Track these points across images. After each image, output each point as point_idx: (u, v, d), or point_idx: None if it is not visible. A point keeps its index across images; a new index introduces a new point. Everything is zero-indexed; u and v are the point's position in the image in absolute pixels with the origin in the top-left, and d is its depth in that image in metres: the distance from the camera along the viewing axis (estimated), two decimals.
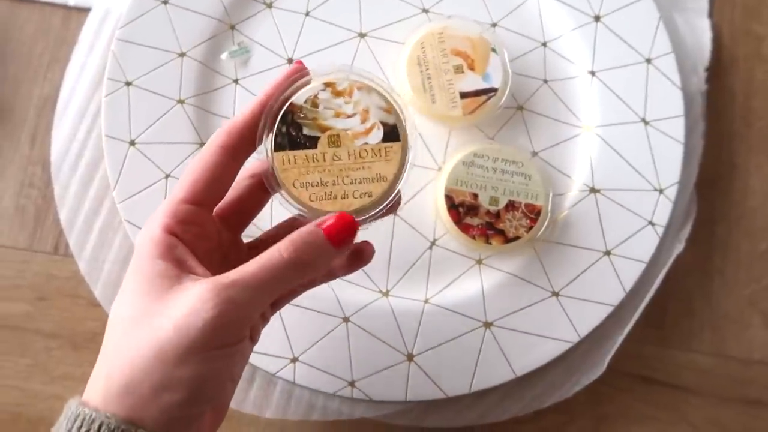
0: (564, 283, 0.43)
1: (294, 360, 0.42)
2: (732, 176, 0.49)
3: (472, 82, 0.44)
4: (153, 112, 0.45)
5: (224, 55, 0.47)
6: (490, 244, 0.43)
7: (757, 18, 0.51)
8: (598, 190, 0.45)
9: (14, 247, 0.46)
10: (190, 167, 0.30)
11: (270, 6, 0.48)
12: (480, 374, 0.42)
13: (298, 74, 0.31)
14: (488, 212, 0.43)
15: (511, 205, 0.43)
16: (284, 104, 0.30)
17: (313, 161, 0.30)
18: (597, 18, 0.47)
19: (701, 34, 0.50)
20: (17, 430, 0.44)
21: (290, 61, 0.47)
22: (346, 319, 0.43)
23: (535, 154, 0.46)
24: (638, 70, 0.47)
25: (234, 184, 0.32)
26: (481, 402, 0.43)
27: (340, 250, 0.29)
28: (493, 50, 0.44)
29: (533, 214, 0.43)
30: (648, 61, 0.47)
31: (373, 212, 0.30)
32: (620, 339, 0.44)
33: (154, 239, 0.29)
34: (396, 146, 0.30)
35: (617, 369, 0.45)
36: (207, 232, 0.31)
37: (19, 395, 0.44)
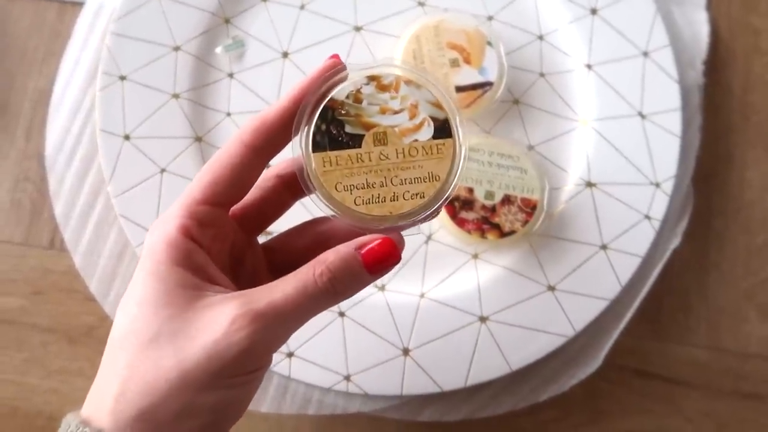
0: (560, 277, 0.43)
1: (289, 355, 0.42)
2: (729, 170, 0.48)
3: (467, 75, 0.44)
4: (147, 106, 0.45)
5: (219, 49, 0.46)
6: (486, 238, 0.43)
7: (755, 11, 0.51)
8: (594, 184, 0.45)
9: (10, 241, 0.46)
10: (210, 164, 0.27)
11: (265, 0, 0.47)
12: (475, 368, 0.42)
13: (335, 69, 0.28)
14: (484, 206, 0.43)
15: (506, 200, 0.43)
16: (323, 99, 0.27)
17: (358, 161, 0.27)
18: (594, 11, 0.47)
19: (699, 27, 0.49)
20: (14, 424, 0.44)
21: (285, 54, 0.47)
22: (341, 314, 0.43)
23: (531, 147, 0.46)
24: (635, 63, 0.46)
25: (256, 184, 0.29)
26: (476, 396, 0.43)
27: (376, 277, 0.26)
28: (489, 43, 0.44)
29: (529, 208, 0.43)
30: (645, 54, 0.46)
31: (425, 214, 0.27)
32: (616, 333, 0.44)
33: (171, 243, 0.26)
34: (448, 143, 0.27)
35: (613, 363, 0.45)
36: (223, 233, 0.28)
37: (16, 389, 0.44)
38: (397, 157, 0.27)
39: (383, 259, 0.26)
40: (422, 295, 0.43)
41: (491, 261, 0.44)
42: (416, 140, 0.27)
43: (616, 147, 0.45)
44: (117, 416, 0.24)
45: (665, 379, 0.46)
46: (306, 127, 0.27)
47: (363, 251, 0.26)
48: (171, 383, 0.24)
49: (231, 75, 0.46)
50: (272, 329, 0.25)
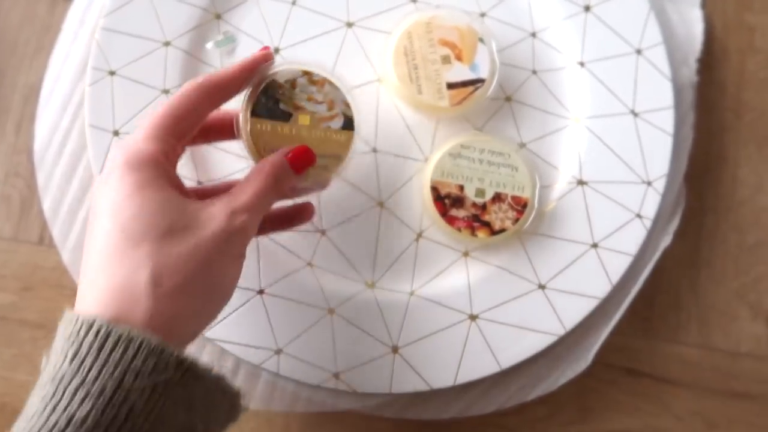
0: (550, 275, 0.43)
1: (278, 351, 0.41)
2: (721, 168, 0.48)
3: (459, 72, 0.44)
4: (137, 101, 0.44)
5: (209, 45, 0.46)
6: (476, 236, 0.42)
7: (750, 8, 0.50)
8: (585, 183, 0.45)
9: None
10: (171, 103, 0.33)
11: None
12: (465, 366, 0.42)
13: (263, 58, 0.36)
14: (474, 204, 0.43)
15: (497, 197, 0.43)
16: (266, 79, 0.36)
17: (281, 133, 0.36)
18: (587, 8, 0.47)
19: (693, 24, 0.49)
20: (3, 420, 0.44)
21: (277, 50, 0.46)
22: (331, 311, 0.42)
23: (523, 145, 0.46)
24: (628, 61, 0.46)
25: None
26: (465, 394, 0.43)
27: (300, 175, 0.36)
28: (481, 40, 0.44)
29: (519, 206, 0.43)
30: (638, 52, 0.46)
31: (321, 182, 0.39)
32: (606, 332, 0.44)
33: (157, 163, 0.32)
34: (350, 134, 0.37)
35: (603, 361, 0.45)
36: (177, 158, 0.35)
37: (5, 385, 0.44)
38: (311, 136, 0.37)
39: (304, 159, 0.36)
40: (412, 293, 0.43)
41: (482, 259, 0.44)
42: (329, 126, 0.37)
43: (608, 145, 0.45)
44: (157, 294, 0.29)
45: (655, 377, 0.46)
46: (250, 95, 0.36)
47: (288, 156, 0.35)
48: (195, 261, 0.30)
49: None
50: (254, 217, 0.33)
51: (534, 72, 0.46)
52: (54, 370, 0.27)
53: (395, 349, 0.42)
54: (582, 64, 0.46)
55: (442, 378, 0.42)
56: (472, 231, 0.43)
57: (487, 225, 0.43)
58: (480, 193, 0.43)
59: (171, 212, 0.31)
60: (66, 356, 0.27)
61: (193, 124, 0.34)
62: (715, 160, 0.48)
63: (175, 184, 0.33)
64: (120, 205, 0.30)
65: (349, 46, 0.46)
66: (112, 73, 0.45)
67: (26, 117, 0.48)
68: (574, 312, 0.43)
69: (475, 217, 0.43)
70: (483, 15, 0.47)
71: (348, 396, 0.43)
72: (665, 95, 0.46)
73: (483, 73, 0.44)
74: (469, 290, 0.43)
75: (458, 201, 0.43)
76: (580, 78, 0.46)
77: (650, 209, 0.44)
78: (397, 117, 0.46)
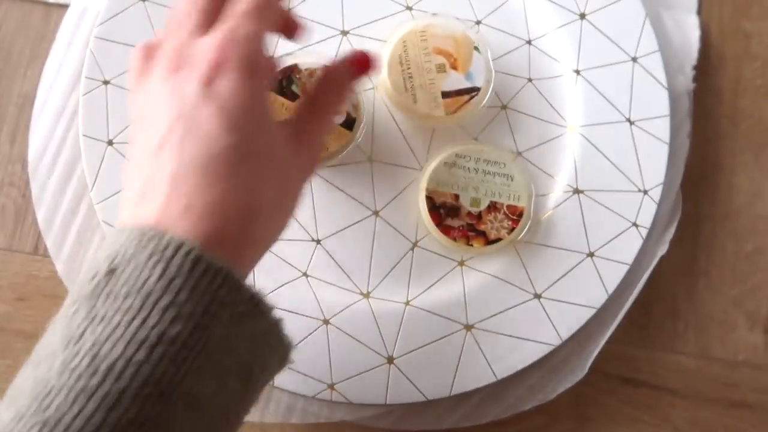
0: (546, 285, 0.43)
1: None
2: (718, 176, 0.48)
3: (454, 81, 0.43)
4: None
5: None
6: (472, 246, 0.42)
7: (746, 15, 0.50)
8: (581, 191, 0.45)
9: None
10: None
11: None
12: (460, 377, 0.42)
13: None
14: (469, 213, 0.43)
15: (492, 207, 0.43)
16: (291, 64, 0.42)
17: (285, 110, 0.41)
18: (582, 15, 0.47)
19: (689, 31, 0.49)
20: None
21: (270, 59, 0.46)
22: (326, 321, 0.42)
23: (519, 153, 0.45)
24: (624, 68, 0.46)
25: None
26: (461, 405, 0.43)
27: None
28: (476, 49, 0.44)
29: (515, 215, 0.43)
30: (634, 59, 0.46)
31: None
32: (603, 341, 0.44)
33: (268, 69, 0.32)
34: (347, 133, 0.42)
35: (600, 371, 0.45)
36: None
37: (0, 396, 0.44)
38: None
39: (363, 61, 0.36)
40: (408, 303, 0.43)
41: (477, 268, 0.44)
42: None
43: (604, 153, 0.45)
44: (252, 225, 0.29)
45: (653, 386, 0.45)
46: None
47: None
48: (288, 193, 0.32)
49: None
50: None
51: (530, 80, 0.46)
52: (135, 283, 0.25)
53: (390, 360, 0.42)
54: (578, 72, 0.46)
55: (438, 389, 0.41)
56: (468, 241, 0.42)
57: (482, 234, 0.42)
58: (475, 202, 0.43)
59: (275, 135, 0.30)
60: (153, 271, 0.25)
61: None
62: (711, 168, 0.48)
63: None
64: (237, 117, 0.28)
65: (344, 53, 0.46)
66: (106, 82, 0.45)
67: (21, 127, 0.47)
68: (571, 321, 0.43)
69: (471, 227, 0.42)
70: (478, 23, 0.47)
71: (343, 407, 0.42)
72: (661, 103, 0.45)
73: (478, 81, 0.44)
74: (465, 300, 0.43)
75: (453, 210, 0.43)
76: (575, 86, 0.46)
77: (646, 218, 0.44)
78: (393, 125, 0.45)
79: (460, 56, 0.44)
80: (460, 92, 0.43)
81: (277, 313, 0.29)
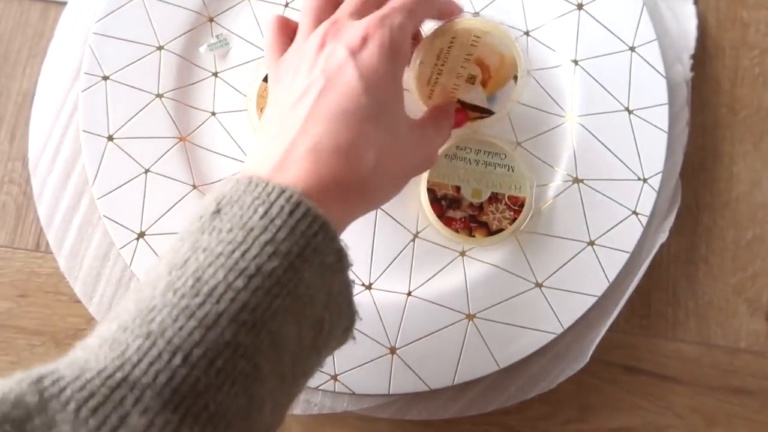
0: (547, 274, 0.43)
1: None
2: (717, 165, 0.48)
3: (475, 96, 0.41)
4: (131, 106, 0.44)
5: (203, 48, 0.46)
6: (473, 237, 0.42)
7: (743, 4, 0.50)
8: (581, 180, 0.45)
9: None
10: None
11: None
12: (463, 366, 0.42)
13: None
14: (471, 205, 0.43)
15: (494, 198, 0.43)
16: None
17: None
18: (580, 6, 0.47)
19: (686, 21, 0.49)
20: None
21: None
22: None
23: (518, 144, 0.46)
24: (622, 58, 0.46)
25: None
26: (464, 394, 0.43)
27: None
28: (515, 78, 0.41)
29: (516, 206, 0.43)
30: (632, 49, 0.46)
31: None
32: (604, 329, 0.44)
33: (406, 56, 0.35)
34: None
35: (602, 359, 0.45)
36: None
37: None
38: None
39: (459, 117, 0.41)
40: (409, 294, 0.43)
41: (479, 258, 0.44)
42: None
43: (603, 143, 0.45)
44: (374, 181, 0.32)
45: (654, 374, 0.45)
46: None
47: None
48: (407, 162, 0.35)
49: (215, 74, 0.46)
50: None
51: (528, 71, 0.46)
52: (239, 220, 0.27)
53: (393, 350, 0.42)
54: (576, 62, 0.46)
55: (441, 378, 0.42)
56: (470, 232, 0.42)
57: (484, 225, 0.43)
58: (477, 193, 0.43)
59: (404, 117, 0.34)
60: (256, 211, 0.27)
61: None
62: (710, 157, 0.48)
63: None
64: (375, 83, 0.32)
65: None
66: (105, 78, 0.45)
67: (20, 124, 0.47)
68: (572, 310, 0.43)
69: (472, 218, 0.43)
70: (476, 14, 0.47)
71: (346, 398, 0.43)
72: (659, 92, 0.46)
73: (498, 108, 0.41)
74: (467, 290, 0.43)
75: (455, 202, 0.43)
76: (574, 76, 0.46)
77: (646, 206, 0.44)
78: None
79: (496, 77, 0.40)
80: (475, 108, 0.41)
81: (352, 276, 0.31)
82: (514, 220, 0.43)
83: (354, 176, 0.31)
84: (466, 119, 0.41)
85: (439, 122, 0.38)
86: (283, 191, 0.28)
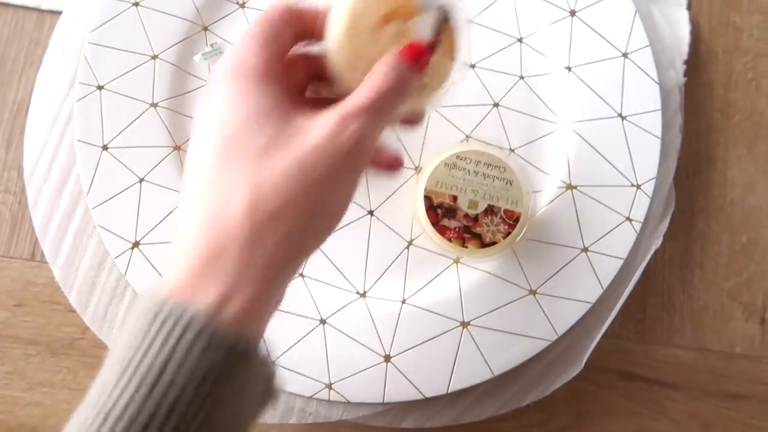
0: (541, 281, 0.43)
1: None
2: (711, 169, 0.48)
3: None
4: (126, 115, 0.45)
5: (197, 57, 0.46)
6: (466, 247, 0.42)
7: (736, 9, 0.51)
8: (575, 187, 0.45)
9: None
10: (265, 15, 0.30)
11: (243, 6, 0.47)
12: (458, 374, 0.42)
13: None
14: (466, 215, 0.43)
15: (490, 210, 0.43)
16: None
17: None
18: (573, 12, 0.47)
19: (679, 26, 0.49)
20: None
21: None
22: (322, 321, 0.42)
23: (511, 151, 0.46)
24: (615, 64, 0.46)
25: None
26: (459, 402, 0.43)
27: (419, 73, 0.29)
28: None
29: (512, 220, 0.43)
30: (624, 55, 0.46)
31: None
32: (599, 335, 0.44)
33: (263, 64, 0.28)
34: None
35: (597, 365, 0.45)
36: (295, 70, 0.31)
37: None
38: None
39: (419, 51, 0.29)
40: (404, 301, 0.43)
41: (473, 266, 0.44)
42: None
43: (596, 149, 0.45)
44: (253, 219, 0.26)
45: (650, 380, 0.45)
46: None
47: (402, 51, 0.29)
48: (297, 180, 0.26)
49: None
50: (372, 123, 0.28)
51: (521, 77, 0.46)
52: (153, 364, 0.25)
53: (388, 358, 0.42)
54: (569, 68, 0.46)
55: (435, 386, 0.42)
56: (463, 242, 0.42)
57: (477, 237, 0.43)
58: (473, 204, 0.43)
59: (272, 123, 0.27)
60: (166, 356, 0.25)
61: (301, 16, 0.30)
62: (704, 162, 0.48)
63: (283, 91, 0.29)
64: (219, 119, 0.27)
65: None
66: (100, 87, 0.45)
67: (16, 133, 0.48)
68: (566, 317, 0.43)
69: (467, 229, 0.43)
70: (470, 21, 0.47)
71: (341, 406, 0.43)
72: (652, 98, 0.46)
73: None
74: (461, 297, 0.43)
75: (450, 211, 0.43)
76: (567, 82, 0.46)
77: (640, 212, 0.44)
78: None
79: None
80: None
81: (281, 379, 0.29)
82: (508, 234, 0.43)
83: (242, 233, 0.26)
84: (421, 51, 0.30)
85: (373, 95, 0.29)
86: (195, 329, 0.25)
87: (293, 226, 0.26)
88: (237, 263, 0.26)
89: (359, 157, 0.28)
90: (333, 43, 0.29)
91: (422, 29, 0.30)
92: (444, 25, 0.31)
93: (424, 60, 0.30)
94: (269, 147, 0.27)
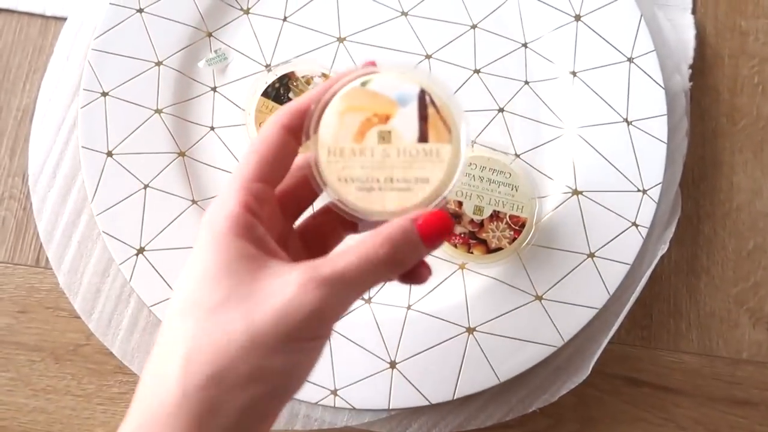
0: (547, 286, 0.43)
1: None
2: (717, 174, 0.48)
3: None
4: (130, 122, 0.45)
5: (201, 63, 0.46)
6: (471, 253, 0.42)
7: (741, 13, 0.50)
8: (580, 192, 0.45)
9: None
10: (254, 147, 0.29)
11: (247, 12, 0.47)
12: (463, 380, 0.42)
13: (367, 68, 0.29)
14: (472, 221, 0.43)
15: (495, 216, 0.43)
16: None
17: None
18: (578, 17, 0.47)
19: (685, 30, 0.49)
20: None
21: (268, 67, 0.46)
22: None
23: (517, 156, 0.45)
24: (620, 69, 0.46)
25: (290, 173, 0.31)
26: (465, 408, 0.43)
27: (431, 248, 0.28)
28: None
29: (517, 225, 0.43)
30: (630, 60, 0.46)
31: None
32: (605, 341, 0.44)
33: (232, 216, 0.27)
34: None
35: (604, 371, 0.45)
36: (276, 212, 0.30)
37: (2, 409, 0.44)
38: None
39: (438, 229, 0.27)
40: (409, 307, 0.43)
41: (478, 271, 0.44)
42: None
43: (602, 154, 0.45)
44: (186, 382, 0.24)
45: (656, 386, 0.45)
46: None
47: (419, 222, 0.27)
48: (241, 345, 0.24)
49: (214, 89, 0.46)
50: (339, 294, 0.25)
51: (526, 83, 0.46)
52: None
53: (393, 365, 0.42)
54: (574, 73, 0.46)
55: (441, 392, 0.41)
56: (468, 248, 0.42)
57: (483, 243, 0.42)
58: (478, 210, 0.43)
59: (232, 279, 0.25)
60: None
61: (279, 160, 0.29)
62: (710, 167, 0.48)
63: (256, 238, 0.27)
64: (187, 271, 0.27)
65: (341, 61, 0.46)
66: (104, 94, 0.45)
67: (20, 140, 0.48)
68: (572, 322, 0.43)
69: (472, 235, 0.42)
70: (474, 27, 0.47)
71: (346, 412, 0.42)
72: (658, 103, 0.45)
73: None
74: (466, 303, 0.43)
75: (456, 217, 0.43)
76: (572, 87, 0.46)
77: (646, 217, 0.44)
78: None
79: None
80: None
81: None
82: (514, 239, 0.42)
83: (174, 395, 0.25)
84: (444, 227, 0.28)
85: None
86: None
87: (228, 396, 0.24)
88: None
89: (319, 328, 0.26)
90: (319, 176, 0.28)
91: (406, 123, 0.28)
92: (430, 110, 0.28)
93: (444, 233, 0.27)
94: (222, 304, 0.25)
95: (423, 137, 0.28)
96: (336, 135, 0.28)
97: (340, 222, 0.32)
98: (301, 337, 0.25)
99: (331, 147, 0.28)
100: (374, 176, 0.28)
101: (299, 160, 0.31)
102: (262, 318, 0.25)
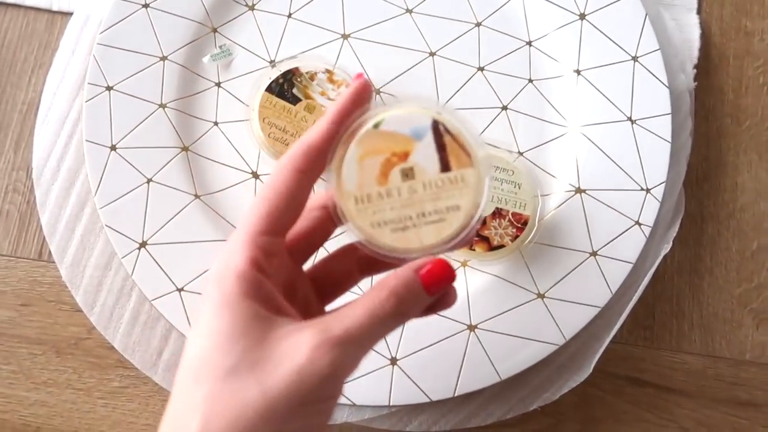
0: (550, 284, 0.43)
1: None
2: (721, 175, 0.48)
3: None
4: (134, 116, 0.45)
5: (206, 59, 0.46)
6: (473, 250, 0.42)
7: (747, 13, 0.50)
8: (584, 191, 0.44)
9: None
10: (265, 194, 0.28)
11: (252, 8, 0.47)
12: (464, 378, 0.41)
13: (364, 91, 0.29)
14: None
15: (498, 213, 0.43)
16: (292, 68, 0.30)
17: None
18: (582, 16, 0.47)
19: (689, 30, 0.49)
20: None
21: (272, 62, 0.46)
22: None
23: (520, 154, 0.45)
24: (624, 68, 0.46)
25: (303, 215, 0.30)
26: (465, 405, 0.43)
27: (433, 297, 0.28)
28: None
29: (520, 223, 0.43)
30: (634, 59, 0.46)
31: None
32: (607, 340, 0.43)
33: (241, 275, 0.26)
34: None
35: (606, 370, 0.44)
36: (284, 262, 0.29)
37: (3, 402, 0.44)
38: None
39: (441, 279, 0.27)
40: None
41: (480, 269, 0.44)
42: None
43: (605, 153, 0.45)
44: None
45: (659, 386, 0.45)
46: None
47: (422, 272, 0.27)
48: (257, 413, 0.24)
49: (219, 84, 0.46)
50: (350, 354, 0.26)
51: (530, 80, 0.46)
52: None
53: (394, 361, 0.42)
54: (578, 72, 0.46)
55: (442, 389, 0.41)
56: (471, 245, 0.42)
57: (485, 240, 0.42)
58: None
59: (244, 342, 0.25)
60: None
61: (292, 208, 0.28)
62: (714, 167, 0.48)
63: (265, 297, 0.27)
64: (196, 333, 0.27)
65: (345, 57, 0.46)
66: (109, 88, 0.45)
67: (25, 133, 0.48)
68: (575, 321, 0.42)
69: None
70: (479, 24, 0.47)
71: (346, 409, 0.42)
72: (662, 102, 0.45)
73: None
74: (468, 300, 0.43)
75: None
76: (576, 86, 0.46)
77: (649, 216, 0.44)
78: None
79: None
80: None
81: None
82: (516, 237, 0.42)
83: None
84: (446, 277, 0.28)
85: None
86: None
87: None
88: None
89: (333, 389, 0.26)
90: (351, 225, 0.28)
91: (426, 156, 0.28)
92: (446, 138, 0.28)
93: (446, 283, 0.27)
94: (235, 370, 0.25)
95: (445, 166, 0.28)
96: (360, 183, 0.28)
97: (357, 267, 0.32)
98: (317, 400, 0.25)
99: (357, 196, 0.28)
100: (406, 214, 0.28)
101: (312, 201, 0.31)
102: (277, 384, 0.25)
